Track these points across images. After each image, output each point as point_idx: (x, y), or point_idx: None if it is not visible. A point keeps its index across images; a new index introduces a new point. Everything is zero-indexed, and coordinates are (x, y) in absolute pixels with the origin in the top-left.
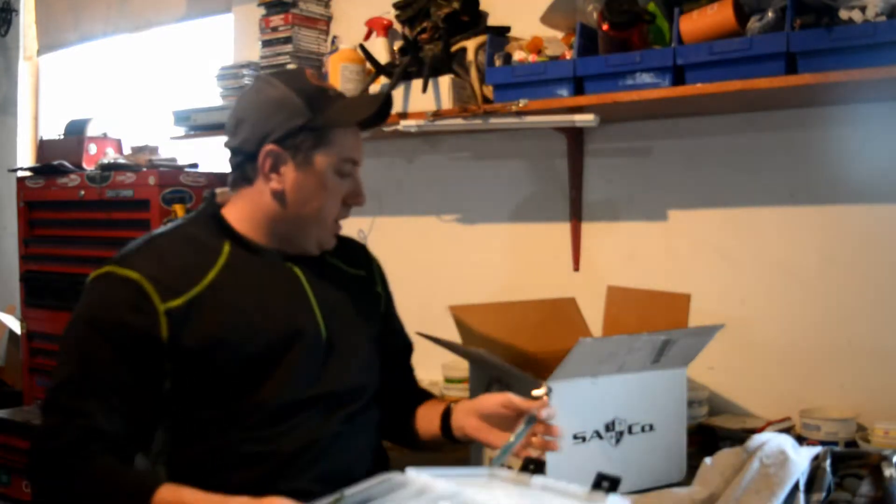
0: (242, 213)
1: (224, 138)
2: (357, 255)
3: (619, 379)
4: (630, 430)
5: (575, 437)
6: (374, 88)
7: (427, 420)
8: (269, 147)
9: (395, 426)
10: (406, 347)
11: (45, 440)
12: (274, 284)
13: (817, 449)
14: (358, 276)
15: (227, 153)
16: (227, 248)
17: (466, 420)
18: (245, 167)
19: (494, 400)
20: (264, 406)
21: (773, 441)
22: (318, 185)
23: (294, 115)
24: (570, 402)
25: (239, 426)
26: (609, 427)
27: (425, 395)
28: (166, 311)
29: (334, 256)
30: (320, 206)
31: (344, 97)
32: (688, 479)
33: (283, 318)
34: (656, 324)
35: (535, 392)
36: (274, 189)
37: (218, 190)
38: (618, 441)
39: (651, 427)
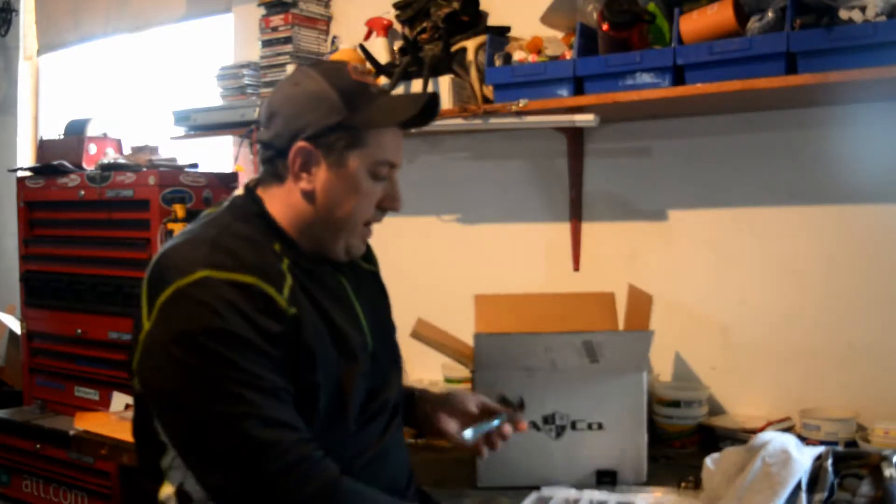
0: (277, 212)
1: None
2: (369, 249)
3: (557, 375)
4: (574, 426)
5: None
6: None
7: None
8: (300, 144)
9: None
10: None
11: (271, 463)
12: (331, 295)
13: (820, 449)
14: (372, 271)
15: (260, 146)
16: (281, 251)
17: (440, 414)
18: (276, 163)
19: (472, 401)
20: (344, 423)
21: (776, 440)
22: (350, 187)
23: (329, 111)
24: (503, 392)
25: (319, 444)
26: (548, 420)
27: None
28: (291, 316)
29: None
30: (352, 210)
31: (386, 94)
32: (648, 482)
33: (345, 330)
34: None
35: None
36: (304, 189)
37: (248, 180)
38: (559, 434)
39: (600, 426)
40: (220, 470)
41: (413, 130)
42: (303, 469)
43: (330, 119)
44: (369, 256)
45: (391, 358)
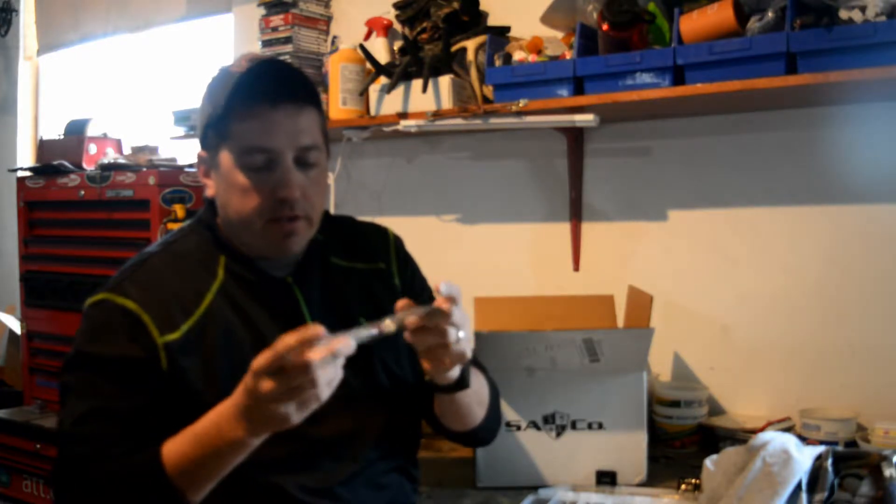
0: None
1: None
2: (377, 245)
3: (558, 374)
4: (574, 426)
5: (509, 424)
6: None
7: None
8: (198, 152)
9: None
10: None
11: (80, 471)
12: (268, 311)
13: (820, 448)
14: (376, 269)
15: None
16: (221, 266)
17: None
18: None
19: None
20: (276, 448)
21: (776, 440)
22: (227, 184)
23: (203, 113)
24: (505, 391)
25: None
26: (548, 419)
27: None
28: (164, 345)
29: (345, 256)
30: (238, 208)
31: (245, 77)
32: (648, 482)
33: None
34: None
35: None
36: (210, 196)
37: None
38: (559, 434)
39: (600, 425)
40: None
41: (414, 130)
42: (106, 478)
43: (202, 121)
44: (374, 254)
45: (367, 380)
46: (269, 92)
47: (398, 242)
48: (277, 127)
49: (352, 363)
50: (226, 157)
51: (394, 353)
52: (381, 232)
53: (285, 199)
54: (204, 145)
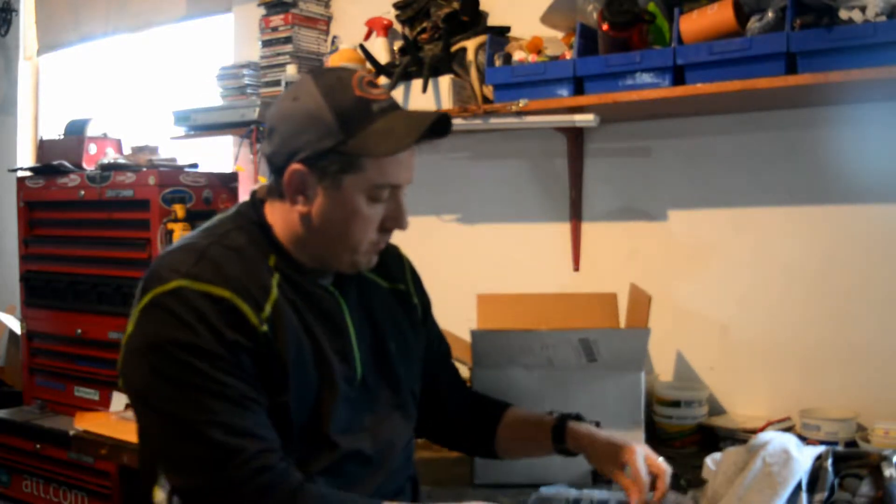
0: (278, 225)
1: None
2: (395, 266)
3: (555, 373)
4: None
5: None
6: None
7: (526, 434)
8: (294, 167)
9: (469, 436)
10: (446, 353)
11: (234, 470)
12: (322, 314)
13: (820, 448)
14: (397, 290)
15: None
16: (275, 265)
17: (603, 462)
18: (277, 179)
19: (637, 457)
20: (321, 453)
21: (776, 440)
22: (346, 211)
23: (324, 135)
24: (500, 389)
25: (285, 454)
26: None
27: (491, 402)
28: (263, 335)
29: (373, 271)
30: (348, 234)
31: (386, 114)
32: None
33: (328, 353)
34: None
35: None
36: (300, 211)
37: (255, 186)
38: None
39: (597, 425)
40: (185, 474)
41: None
42: (265, 478)
43: (324, 143)
44: (396, 274)
45: (392, 396)
46: (415, 141)
47: (411, 265)
48: (407, 165)
49: (381, 373)
50: (352, 186)
51: (410, 371)
52: (397, 252)
53: (397, 229)
54: (309, 164)
